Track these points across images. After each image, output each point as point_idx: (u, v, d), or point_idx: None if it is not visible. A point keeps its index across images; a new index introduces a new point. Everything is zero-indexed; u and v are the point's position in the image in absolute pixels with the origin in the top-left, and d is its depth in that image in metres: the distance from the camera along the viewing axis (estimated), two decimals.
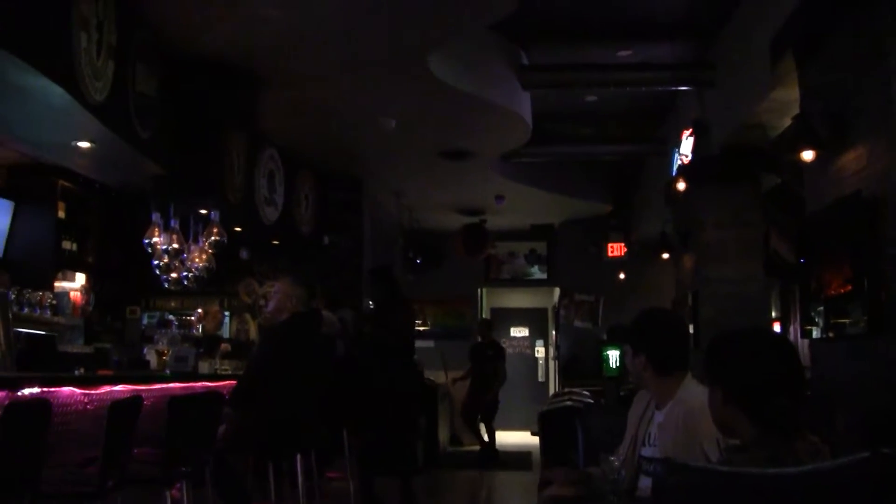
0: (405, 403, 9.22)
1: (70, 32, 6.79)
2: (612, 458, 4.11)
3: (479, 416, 15.04)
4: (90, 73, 7.15)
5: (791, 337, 12.15)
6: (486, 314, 20.63)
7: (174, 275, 9.72)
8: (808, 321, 7.72)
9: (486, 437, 14.91)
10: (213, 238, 9.74)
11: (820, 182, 7.47)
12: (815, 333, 7.47)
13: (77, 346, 9.98)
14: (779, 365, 2.96)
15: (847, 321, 6.76)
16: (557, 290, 19.48)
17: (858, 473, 2.56)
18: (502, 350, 15.76)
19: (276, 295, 7.06)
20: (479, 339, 16.06)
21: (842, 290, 6.85)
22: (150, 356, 9.24)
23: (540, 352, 21.09)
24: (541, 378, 20.83)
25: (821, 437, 2.94)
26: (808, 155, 7.31)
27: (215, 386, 7.46)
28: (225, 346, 10.84)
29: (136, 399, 5.29)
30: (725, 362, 3.05)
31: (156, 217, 9.47)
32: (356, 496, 8.66)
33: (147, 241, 9.41)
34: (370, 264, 14.27)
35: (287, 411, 6.55)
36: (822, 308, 7.29)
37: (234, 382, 7.47)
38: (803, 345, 9.93)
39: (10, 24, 6.02)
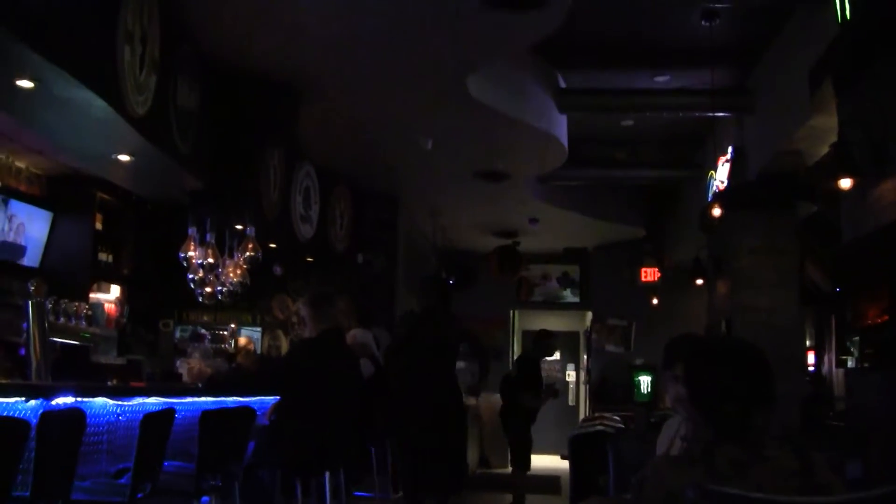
0: (440, 420, 9.08)
1: (114, 46, 6.86)
2: None
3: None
4: (133, 86, 7.21)
5: (826, 367, 12.05)
6: (517, 336, 20.52)
7: (208, 289, 9.75)
8: (843, 351, 7.67)
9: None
10: (248, 253, 9.76)
11: (858, 211, 7.42)
12: (851, 363, 7.42)
13: (110, 358, 10.03)
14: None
15: (884, 351, 6.72)
16: (590, 314, 19.43)
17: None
18: None
19: (303, 320, 7.09)
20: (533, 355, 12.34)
21: (878, 321, 6.80)
22: (183, 369, 9.26)
23: (571, 375, 21.01)
24: (571, 402, 20.74)
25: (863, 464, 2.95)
26: (845, 183, 7.27)
27: (246, 401, 7.47)
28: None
29: (168, 412, 5.32)
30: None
31: (192, 231, 9.50)
32: None
33: (183, 254, 9.44)
34: (403, 283, 14.25)
35: (313, 427, 6.55)
36: (857, 338, 7.25)
37: (265, 397, 7.52)
38: (838, 374, 9.82)
39: (56, 37, 6.09)
